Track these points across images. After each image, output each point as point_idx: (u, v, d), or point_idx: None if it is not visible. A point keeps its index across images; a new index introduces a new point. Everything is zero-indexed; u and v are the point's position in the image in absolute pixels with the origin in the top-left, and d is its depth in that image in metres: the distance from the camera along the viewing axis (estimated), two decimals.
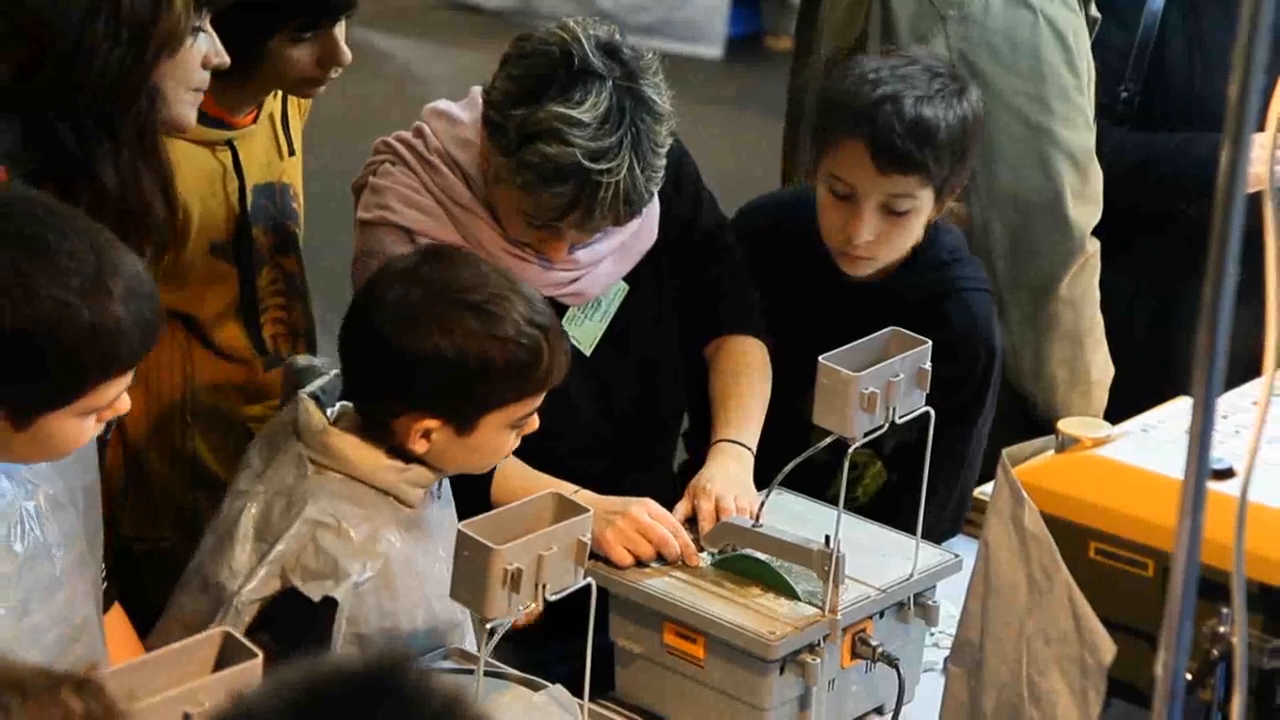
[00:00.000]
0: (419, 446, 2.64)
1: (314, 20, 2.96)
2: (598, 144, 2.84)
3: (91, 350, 2.20)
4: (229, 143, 3.09)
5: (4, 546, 2.32)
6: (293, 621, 2.57)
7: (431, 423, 2.63)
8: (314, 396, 2.69)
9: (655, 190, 2.94)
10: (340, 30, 3.02)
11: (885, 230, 3.12)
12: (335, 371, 2.74)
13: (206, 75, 2.74)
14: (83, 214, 2.30)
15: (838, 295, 3.22)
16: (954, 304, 3.23)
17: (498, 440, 2.69)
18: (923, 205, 3.12)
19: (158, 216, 2.70)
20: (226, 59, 2.76)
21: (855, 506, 3.27)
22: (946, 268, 3.24)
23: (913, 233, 3.16)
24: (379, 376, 2.66)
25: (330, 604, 2.56)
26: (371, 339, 2.65)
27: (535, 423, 2.72)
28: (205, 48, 2.72)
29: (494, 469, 2.90)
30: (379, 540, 2.61)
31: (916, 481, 2.88)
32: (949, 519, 3.29)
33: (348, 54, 3.03)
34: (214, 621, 2.56)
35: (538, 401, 2.70)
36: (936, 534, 3.14)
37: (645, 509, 2.88)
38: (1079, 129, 3.43)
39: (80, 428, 2.28)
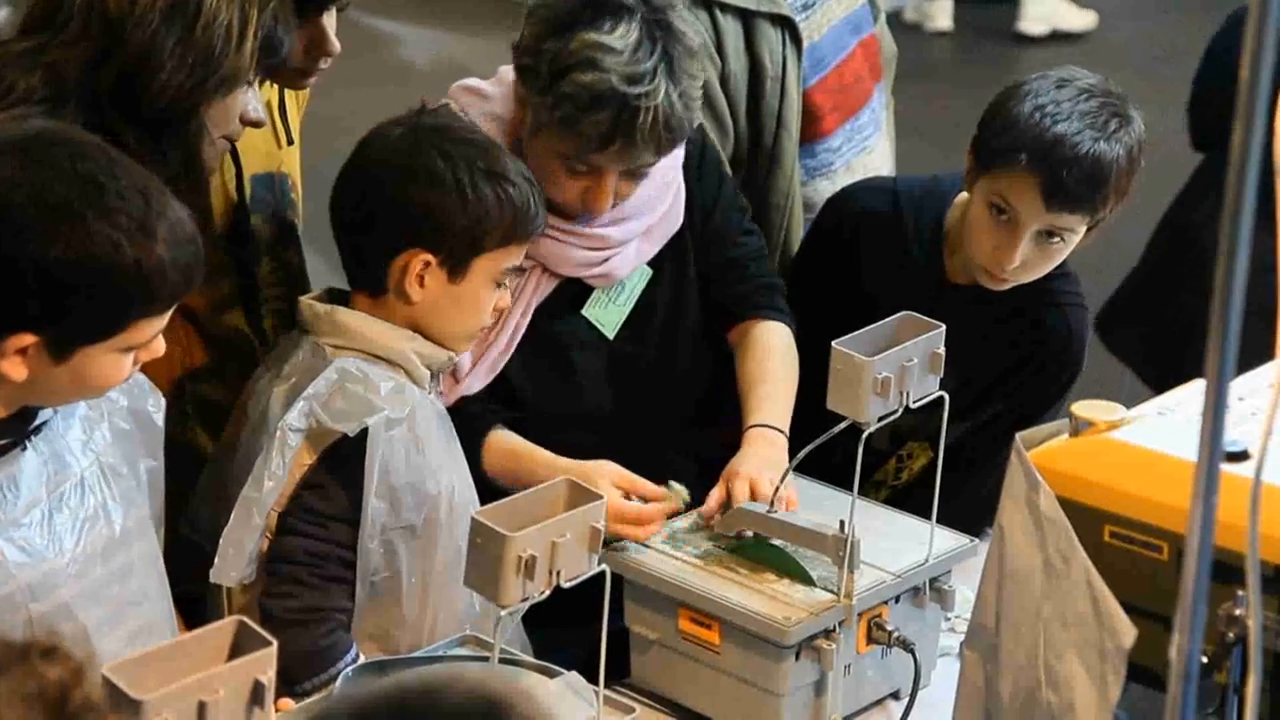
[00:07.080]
0: (414, 290, 2.74)
1: (300, 7, 2.93)
2: (633, 69, 2.84)
3: (134, 287, 2.26)
4: None
5: (60, 500, 2.37)
6: (345, 462, 2.68)
7: (430, 257, 2.73)
8: None
9: (694, 118, 2.93)
10: (330, 20, 2.98)
11: (1034, 256, 3.13)
12: None
13: (241, 129, 2.78)
14: (134, 163, 2.35)
15: (937, 292, 3.23)
16: (1053, 316, 3.26)
17: (484, 295, 2.79)
18: (1076, 236, 3.14)
19: None
20: (264, 118, 2.80)
21: (895, 489, 3.27)
22: (1050, 280, 3.25)
23: (1058, 260, 3.17)
24: (379, 211, 2.76)
25: (365, 433, 2.66)
26: (372, 178, 2.79)
27: (507, 298, 2.83)
28: (247, 103, 2.74)
29: (480, 442, 2.96)
30: (404, 392, 2.73)
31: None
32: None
33: (336, 44, 2.98)
34: (261, 453, 2.70)
35: (520, 255, 2.81)
36: (981, 527, 3.15)
37: (607, 479, 2.88)
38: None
39: (118, 364, 2.32)
